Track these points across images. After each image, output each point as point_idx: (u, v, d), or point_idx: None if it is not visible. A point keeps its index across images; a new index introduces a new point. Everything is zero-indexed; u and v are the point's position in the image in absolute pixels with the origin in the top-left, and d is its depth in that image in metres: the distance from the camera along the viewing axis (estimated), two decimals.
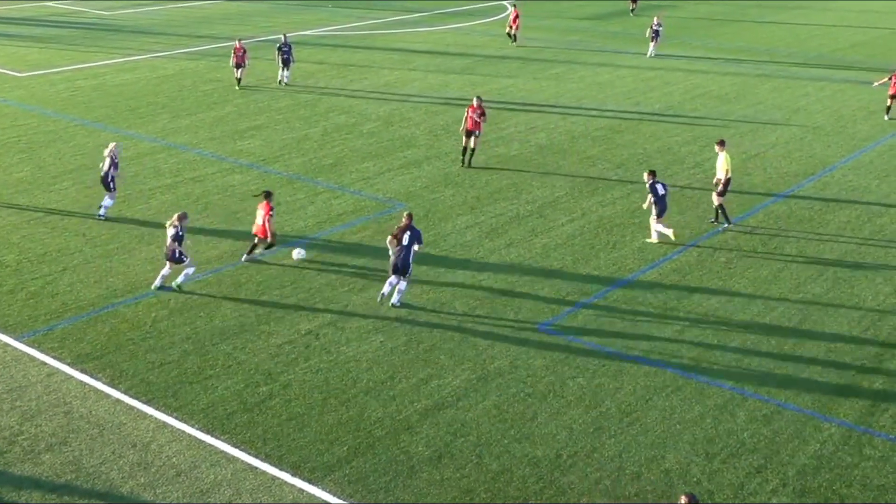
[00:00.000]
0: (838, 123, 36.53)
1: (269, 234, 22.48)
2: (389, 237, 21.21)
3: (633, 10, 59.66)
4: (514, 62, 45.44)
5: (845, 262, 24.21)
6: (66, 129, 33.47)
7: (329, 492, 15.17)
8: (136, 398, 17.44)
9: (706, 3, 65.67)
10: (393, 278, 20.96)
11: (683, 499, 12.87)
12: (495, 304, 21.43)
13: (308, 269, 22.84)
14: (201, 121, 34.73)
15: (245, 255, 23.05)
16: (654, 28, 46.80)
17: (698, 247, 24.83)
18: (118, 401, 17.36)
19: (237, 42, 39.27)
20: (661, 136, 34.37)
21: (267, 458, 15.89)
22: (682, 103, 38.78)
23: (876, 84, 39.96)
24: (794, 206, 27.90)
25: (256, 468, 15.65)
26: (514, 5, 49.73)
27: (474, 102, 29.97)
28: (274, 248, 23.31)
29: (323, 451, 16.16)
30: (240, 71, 38.71)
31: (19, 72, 41.34)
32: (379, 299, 21.04)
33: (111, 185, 25.44)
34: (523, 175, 29.80)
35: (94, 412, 17.00)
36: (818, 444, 16.79)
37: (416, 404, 17.60)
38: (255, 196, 23.94)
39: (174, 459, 15.80)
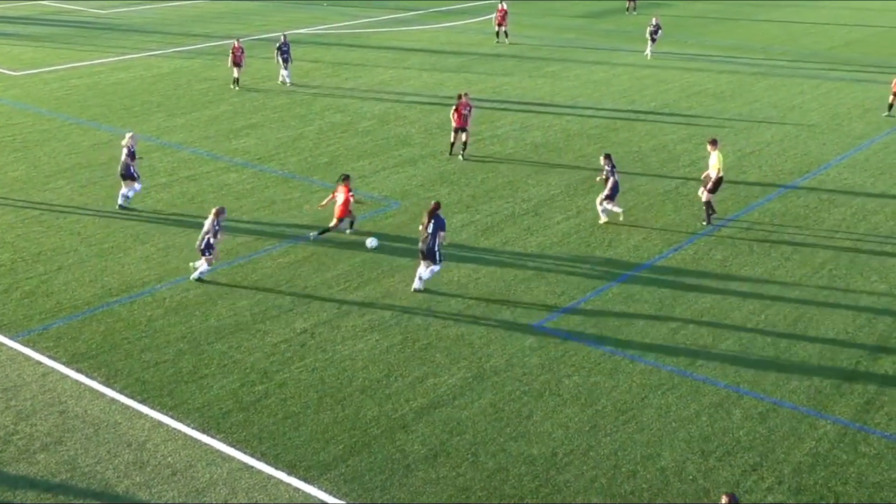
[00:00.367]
0: (833, 121, 36.57)
1: (348, 213, 24.31)
2: (420, 225, 21.98)
3: (630, 10, 59.63)
4: (509, 60, 45.44)
5: (840, 260, 24.23)
6: (61, 127, 33.42)
7: (325, 491, 15.16)
8: (132, 397, 17.41)
9: (701, 2, 65.75)
10: (422, 265, 21.66)
11: (724, 499, 12.90)
12: (491, 303, 21.44)
13: (303, 267, 22.83)
14: (196, 119, 34.69)
15: (315, 234, 24.36)
16: (653, 28, 46.45)
17: (693, 245, 24.85)
18: (113, 400, 17.33)
19: (236, 41, 39.22)
20: (657, 134, 34.39)
21: (262, 457, 15.88)
22: (677, 101, 38.80)
23: None
24: (789, 204, 27.93)
25: (252, 467, 15.64)
26: (502, 2, 49.78)
27: (462, 99, 30.47)
28: (342, 227, 24.54)
29: (318, 450, 16.14)
30: (237, 70, 38.67)
31: (13, 70, 41.27)
32: (413, 288, 21.79)
33: (135, 175, 25.98)
34: (519, 173, 29.81)
35: (89, 412, 16.97)
36: (813, 442, 16.81)
37: (411, 403, 17.60)
38: (337, 180, 25.11)
39: (169, 459, 15.78)
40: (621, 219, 25.81)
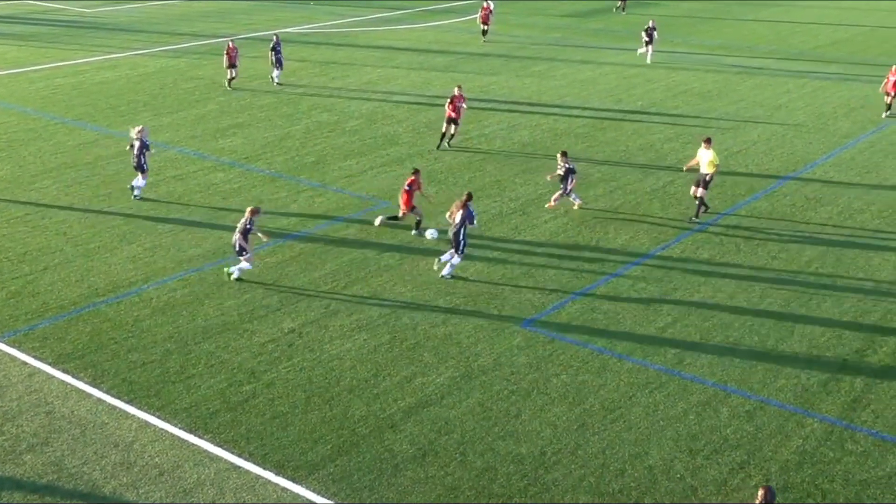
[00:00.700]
0: (819, 120, 36.70)
1: (404, 205, 24.48)
2: (448, 213, 22.75)
3: (619, 9, 59.63)
4: (496, 59, 45.45)
5: (827, 258, 24.32)
6: (46, 127, 33.26)
7: (313, 490, 15.13)
8: (119, 398, 17.34)
9: (688, 1, 65.88)
10: (449, 252, 22.36)
11: (761, 491, 13.02)
12: (479, 302, 21.43)
13: (290, 267, 22.78)
14: (183, 119, 34.58)
15: (416, 230, 24.81)
16: (649, 30, 45.65)
17: (680, 243, 24.90)
18: (100, 400, 17.26)
19: (230, 42, 39.07)
20: (644, 133, 34.45)
21: (250, 457, 15.83)
22: (664, 101, 38.87)
23: None
24: (775, 202, 28.01)
25: (240, 467, 15.59)
26: (486, 0, 49.72)
27: (456, 92, 31.54)
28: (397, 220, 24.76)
29: (307, 450, 16.11)
30: (232, 71, 38.50)
31: None
32: (435, 265, 22.51)
33: (144, 167, 26.31)
34: (506, 173, 29.81)
35: (75, 412, 16.89)
36: (801, 440, 16.87)
37: (399, 402, 17.58)
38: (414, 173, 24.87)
39: (157, 459, 15.72)
40: (575, 207, 26.78)
